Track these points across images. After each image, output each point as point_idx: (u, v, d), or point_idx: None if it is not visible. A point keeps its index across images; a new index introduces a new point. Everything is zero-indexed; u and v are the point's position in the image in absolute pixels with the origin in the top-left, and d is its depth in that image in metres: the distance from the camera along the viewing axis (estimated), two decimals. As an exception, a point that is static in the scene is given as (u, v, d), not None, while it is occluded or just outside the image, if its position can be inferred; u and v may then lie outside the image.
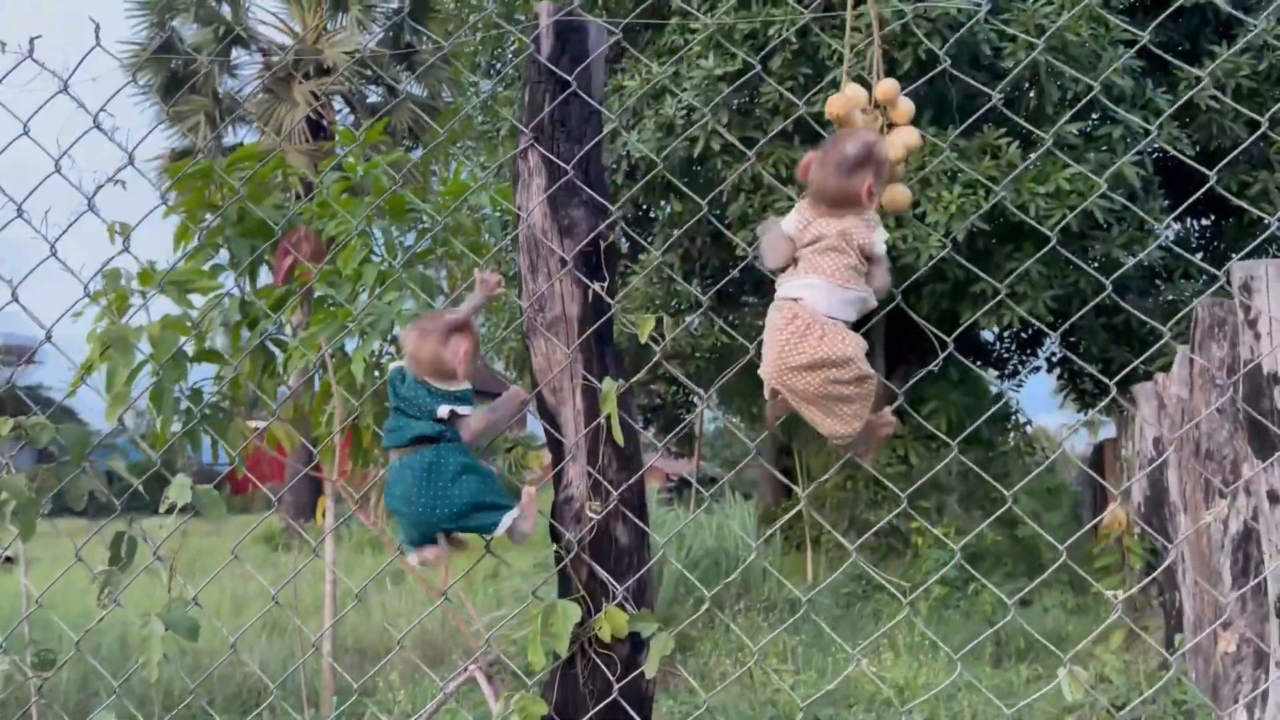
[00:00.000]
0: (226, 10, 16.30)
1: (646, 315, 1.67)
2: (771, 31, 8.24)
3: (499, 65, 11.71)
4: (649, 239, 10.32)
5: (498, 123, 10.93)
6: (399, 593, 8.84)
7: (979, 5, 8.03)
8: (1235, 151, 3.12)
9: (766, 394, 1.65)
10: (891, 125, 1.82)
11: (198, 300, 2.93)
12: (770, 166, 8.63)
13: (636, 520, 1.63)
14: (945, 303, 9.53)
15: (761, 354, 1.67)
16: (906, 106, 1.90)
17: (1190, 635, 5.20)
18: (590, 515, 1.61)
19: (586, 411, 1.62)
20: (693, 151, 8.61)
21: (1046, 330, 9.30)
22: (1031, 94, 8.68)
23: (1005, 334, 13.22)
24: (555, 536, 1.72)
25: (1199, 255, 11.66)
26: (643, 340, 1.62)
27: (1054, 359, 12.37)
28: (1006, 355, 13.83)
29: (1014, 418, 12.08)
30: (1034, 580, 9.83)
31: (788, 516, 7.03)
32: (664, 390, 12.46)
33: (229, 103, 16.08)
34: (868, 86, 1.99)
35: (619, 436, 1.58)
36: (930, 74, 1.98)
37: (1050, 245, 1.80)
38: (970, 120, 2.61)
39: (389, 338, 3.04)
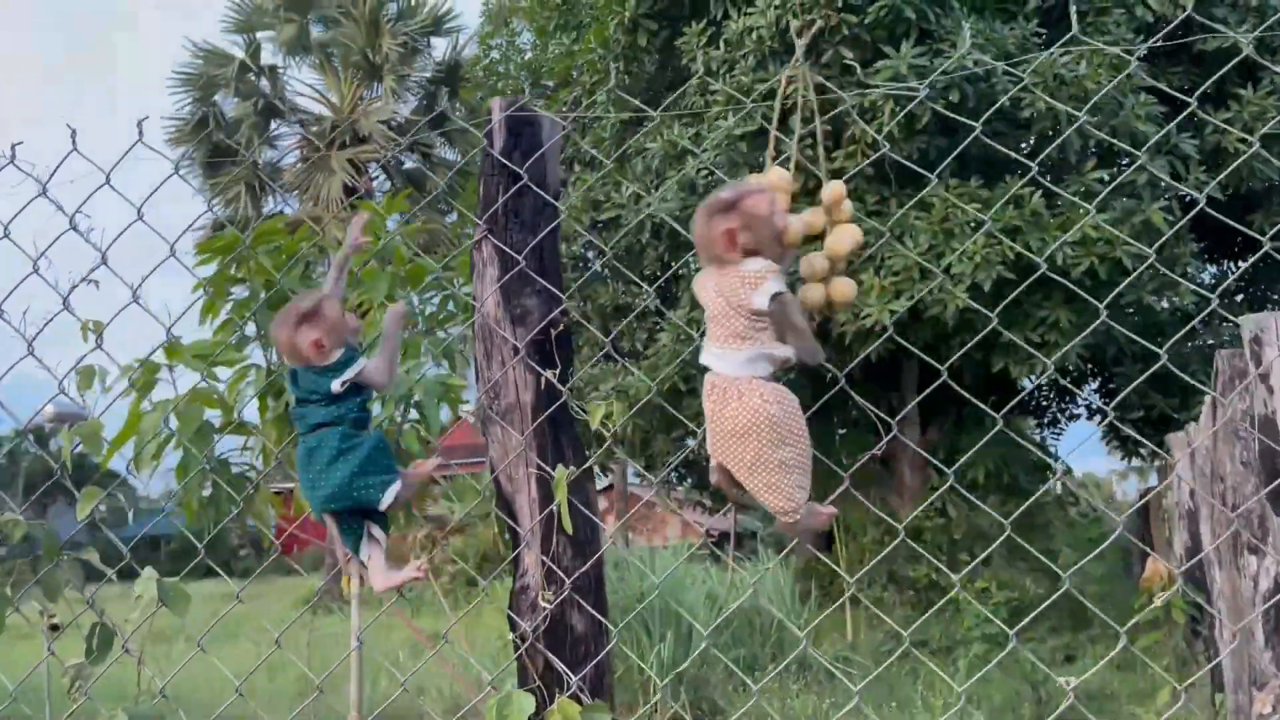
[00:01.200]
0: (265, 84, 16.79)
1: (597, 403, 1.67)
2: (790, 90, 8.30)
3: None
4: (677, 296, 10.36)
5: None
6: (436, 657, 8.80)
7: (984, 61, 8.07)
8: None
9: (712, 467, 1.64)
10: (834, 223, 1.83)
11: (224, 373, 3.00)
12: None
13: (592, 608, 1.63)
14: (977, 353, 9.44)
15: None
16: (848, 207, 1.91)
17: (1230, 695, 5.04)
18: (544, 605, 1.61)
19: (541, 499, 1.63)
20: (715, 210, 8.67)
21: (1060, 382, 9.17)
22: (1052, 140, 8.65)
23: (1043, 382, 13.04)
24: (513, 625, 1.72)
25: (1239, 298, 11.46)
26: (594, 427, 1.63)
27: (1093, 407, 12.18)
28: (1045, 403, 13.63)
29: (1055, 466, 11.87)
30: (1079, 635, 9.58)
31: (817, 571, 6.93)
32: (699, 447, 12.42)
33: (268, 173, 16.52)
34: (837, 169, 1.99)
35: (567, 525, 1.58)
36: (961, 135, 1.96)
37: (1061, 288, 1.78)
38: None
39: (409, 403, 3.08)
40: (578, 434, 1.69)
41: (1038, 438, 13.46)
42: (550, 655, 1.59)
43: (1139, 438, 8.73)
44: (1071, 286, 1.58)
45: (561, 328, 1.65)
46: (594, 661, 1.61)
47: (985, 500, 10.33)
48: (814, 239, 1.90)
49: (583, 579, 1.62)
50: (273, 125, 17.13)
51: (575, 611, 1.61)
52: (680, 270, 10.17)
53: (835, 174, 8.75)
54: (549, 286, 1.65)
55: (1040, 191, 8.33)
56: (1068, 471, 12.14)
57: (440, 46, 17.54)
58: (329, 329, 1.69)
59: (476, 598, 13.81)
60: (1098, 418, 12.65)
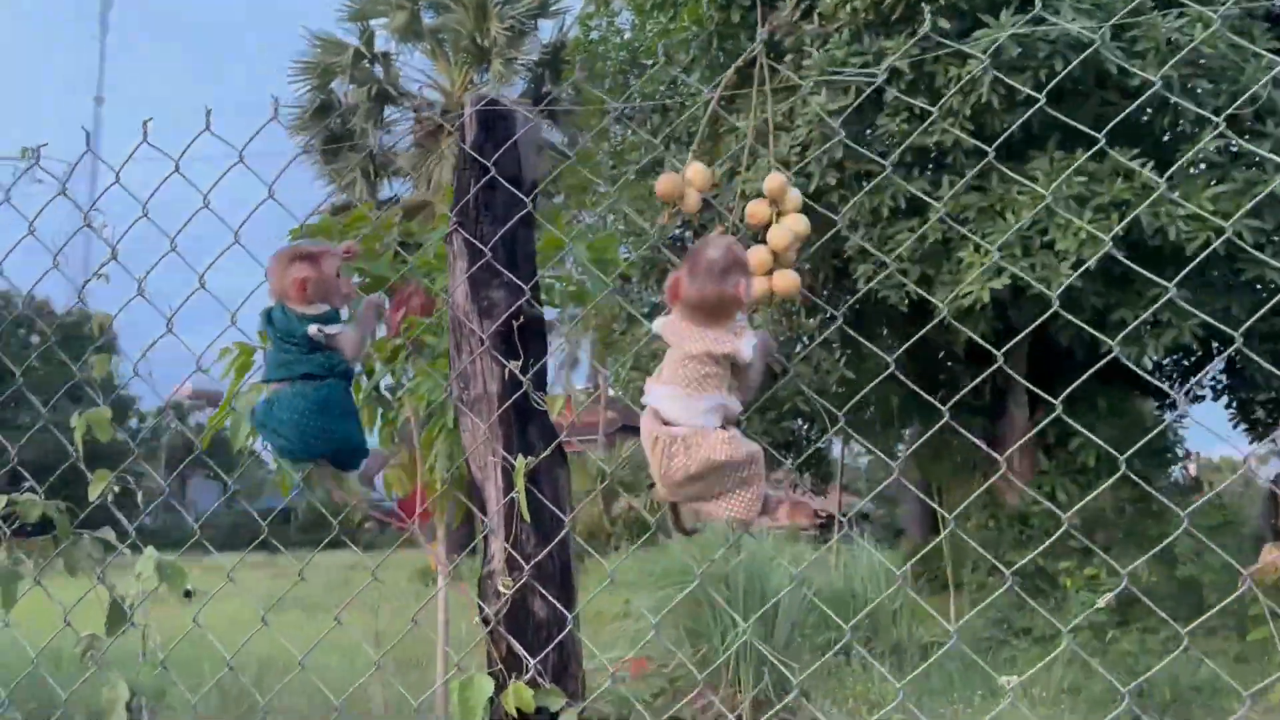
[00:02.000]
0: (379, 71, 17.26)
1: (557, 394, 1.69)
2: (884, 64, 8.11)
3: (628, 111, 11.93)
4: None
5: (624, 168, 11.14)
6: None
7: (1097, 26, 7.69)
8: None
9: (662, 504, 1.64)
10: (780, 214, 1.79)
11: None
12: (889, 200, 8.47)
13: (556, 595, 1.65)
14: (1085, 333, 9.09)
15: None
16: (795, 196, 1.86)
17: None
18: (502, 590, 1.64)
19: (506, 488, 1.66)
20: (808, 188, 8.54)
21: (1182, 362, 8.72)
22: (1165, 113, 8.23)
23: (1165, 361, 12.45)
24: (480, 610, 1.76)
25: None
26: (553, 417, 1.65)
27: (1218, 387, 11.57)
28: (1170, 383, 13.02)
29: (1174, 450, 11.35)
30: (1192, 623, 9.18)
31: (918, 555, 6.81)
32: (798, 426, 12.31)
33: (382, 158, 17.00)
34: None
35: (525, 514, 1.61)
36: (1035, 105, 1.83)
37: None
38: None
39: None
40: (550, 424, 1.72)
41: (1160, 420, 12.87)
42: (511, 639, 1.63)
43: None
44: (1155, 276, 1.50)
45: (523, 319, 1.67)
46: (554, 646, 1.64)
47: (1096, 484, 9.95)
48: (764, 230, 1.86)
49: (546, 566, 1.65)
50: (386, 111, 17.60)
51: (537, 598, 1.64)
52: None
53: (930, 150, 8.49)
54: (514, 279, 1.68)
55: (1152, 164, 7.95)
56: (1187, 455, 11.58)
57: (546, 29, 17.72)
58: (320, 278, 1.76)
59: (585, 573, 14.05)
60: (1225, 398, 12.01)
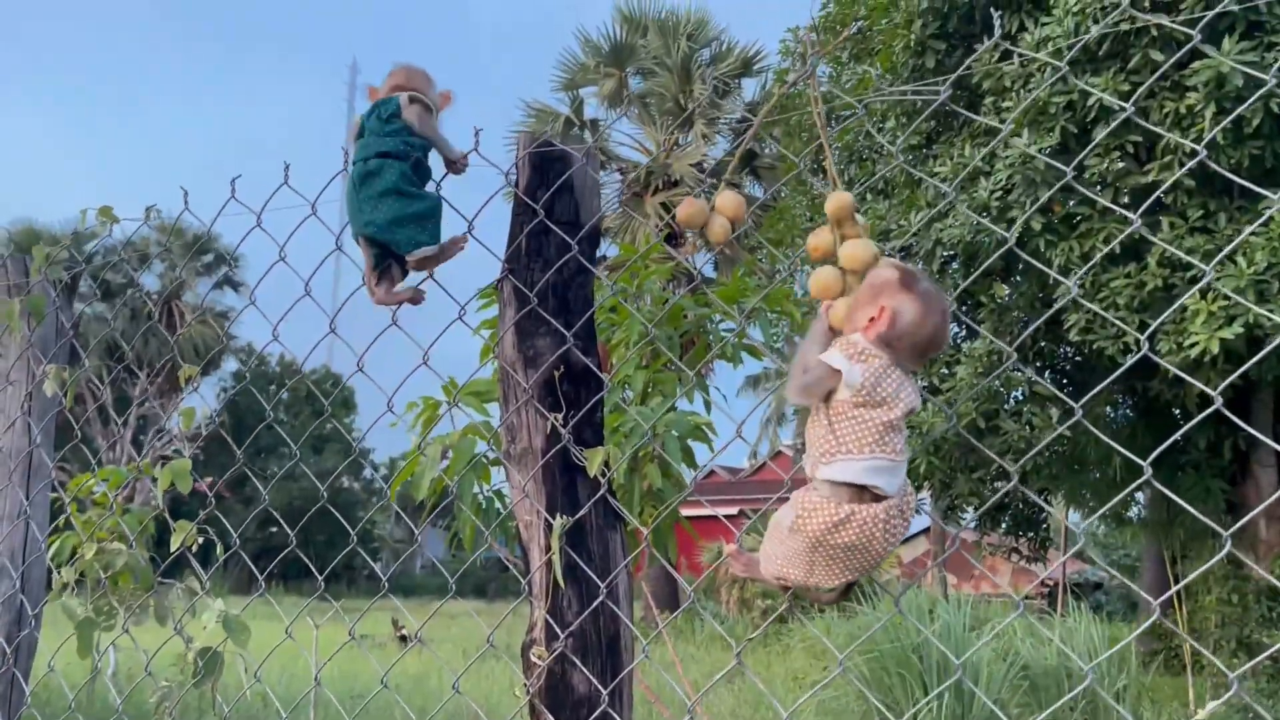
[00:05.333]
0: (588, 137, 17.87)
1: (596, 449, 1.57)
2: (1091, 101, 7.62)
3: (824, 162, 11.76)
4: (980, 321, 9.76)
5: (819, 218, 10.97)
6: (732, 691, 8.76)
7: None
8: None
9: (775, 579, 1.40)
10: (845, 238, 1.54)
11: (497, 409, 3.20)
12: (1101, 243, 7.89)
13: (598, 668, 1.51)
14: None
15: (772, 541, 1.38)
16: (860, 221, 1.58)
17: None
18: (535, 661, 1.53)
19: (549, 549, 1.55)
20: (1011, 232, 8.09)
21: None
22: None
23: None
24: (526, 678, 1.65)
25: None
26: (592, 474, 1.53)
27: None
28: None
29: None
30: None
31: (1136, 633, 6.25)
32: (1013, 489, 11.55)
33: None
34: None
35: (559, 578, 1.50)
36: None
37: None
38: None
39: (649, 442, 3.11)
40: (600, 482, 1.60)
41: None
42: (549, 715, 1.51)
43: None
44: None
45: (564, 370, 1.58)
46: (596, 726, 1.50)
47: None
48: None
49: (590, 638, 1.52)
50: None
51: (576, 672, 1.52)
52: (981, 299, 9.59)
53: (1146, 189, 7.87)
54: (560, 327, 1.59)
55: None
56: None
57: (750, 88, 17.84)
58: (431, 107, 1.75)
59: (788, 635, 13.66)
60: None
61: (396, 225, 1.65)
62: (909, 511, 1.36)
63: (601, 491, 1.56)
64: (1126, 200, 8.15)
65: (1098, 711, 7.73)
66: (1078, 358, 10.42)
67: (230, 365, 27.08)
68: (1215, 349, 7.12)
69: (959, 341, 10.19)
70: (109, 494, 2.59)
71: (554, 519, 1.53)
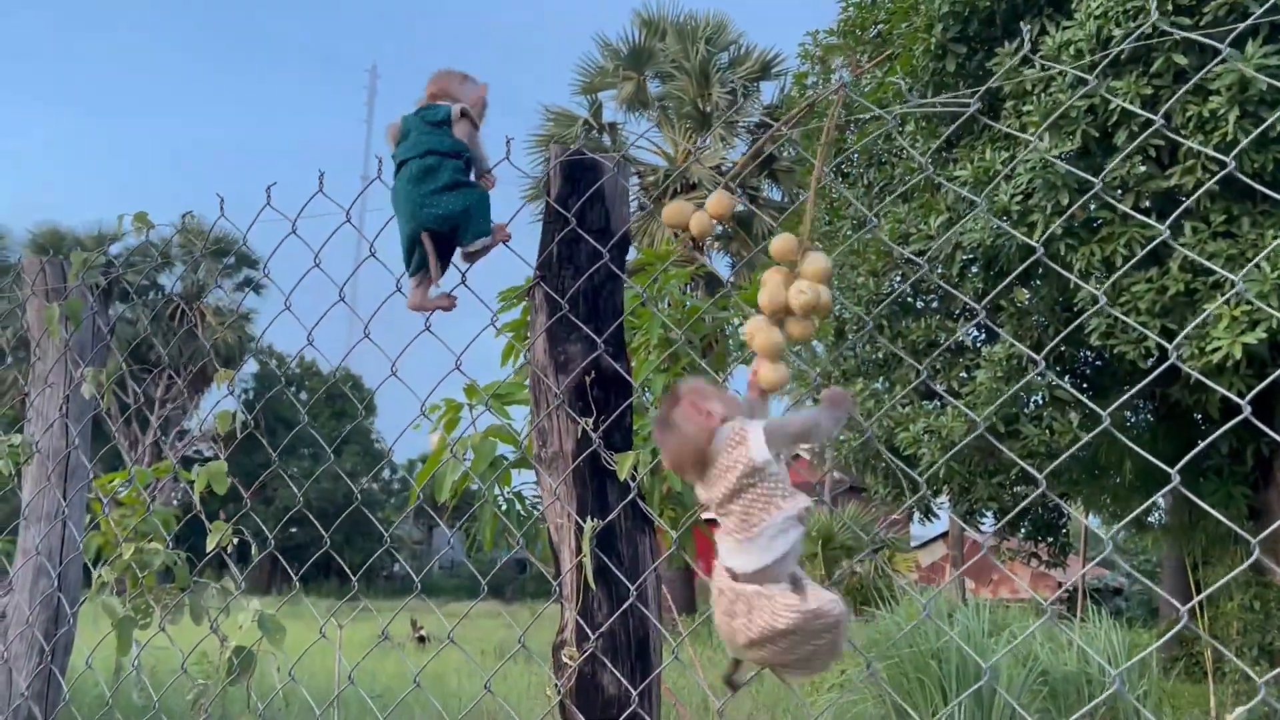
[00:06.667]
0: (607, 140, 17.93)
1: (626, 453, 1.60)
2: (1113, 105, 7.60)
3: (845, 166, 11.78)
4: (999, 325, 9.74)
5: (839, 222, 10.98)
6: (750, 694, 8.76)
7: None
8: None
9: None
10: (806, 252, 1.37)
11: (518, 411, 3.22)
12: (1123, 247, 7.87)
13: (628, 669, 1.54)
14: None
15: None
16: (818, 259, 1.39)
17: None
18: (565, 661, 1.56)
19: (580, 552, 1.58)
20: (1032, 236, 8.07)
21: None
22: None
23: None
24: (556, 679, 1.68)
25: None
26: (622, 478, 1.56)
27: None
28: None
29: None
30: None
31: (1166, 636, 6.20)
32: (1030, 492, 11.51)
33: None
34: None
35: (590, 581, 1.53)
36: None
37: None
38: None
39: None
40: (630, 486, 1.63)
41: None
42: (579, 716, 1.54)
43: None
44: None
45: (594, 375, 1.61)
46: (626, 726, 1.53)
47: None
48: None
49: (619, 639, 1.55)
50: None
51: (606, 673, 1.55)
52: (1001, 303, 9.58)
53: (1168, 193, 7.84)
54: (590, 333, 1.62)
55: None
56: None
57: (768, 90, 17.85)
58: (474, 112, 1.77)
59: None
60: None
61: (465, 216, 1.68)
62: (764, 612, 1.25)
63: (631, 495, 1.59)
64: (1148, 205, 8.13)
65: (1118, 717, 7.70)
66: (1098, 362, 10.39)
67: (250, 366, 27.29)
68: (1238, 354, 7.09)
69: (978, 345, 10.18)
70: (139, 493, 2.63)
71: (584, 522, 1.56)
